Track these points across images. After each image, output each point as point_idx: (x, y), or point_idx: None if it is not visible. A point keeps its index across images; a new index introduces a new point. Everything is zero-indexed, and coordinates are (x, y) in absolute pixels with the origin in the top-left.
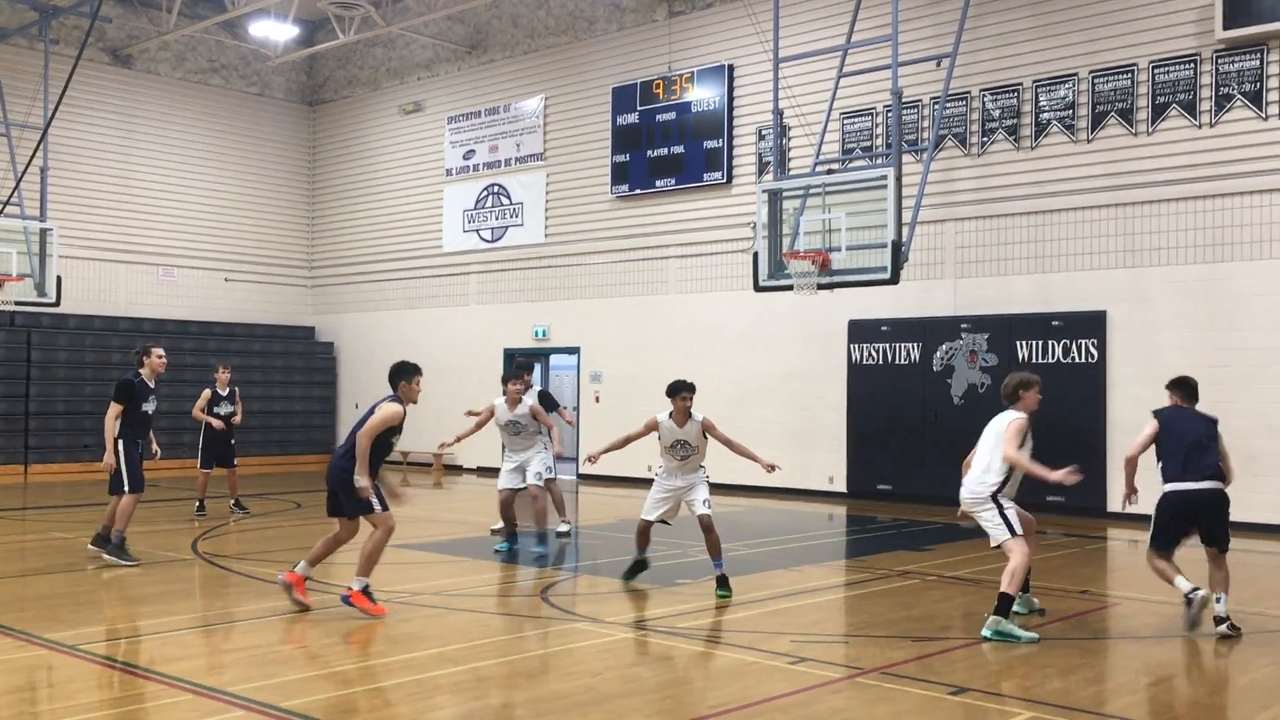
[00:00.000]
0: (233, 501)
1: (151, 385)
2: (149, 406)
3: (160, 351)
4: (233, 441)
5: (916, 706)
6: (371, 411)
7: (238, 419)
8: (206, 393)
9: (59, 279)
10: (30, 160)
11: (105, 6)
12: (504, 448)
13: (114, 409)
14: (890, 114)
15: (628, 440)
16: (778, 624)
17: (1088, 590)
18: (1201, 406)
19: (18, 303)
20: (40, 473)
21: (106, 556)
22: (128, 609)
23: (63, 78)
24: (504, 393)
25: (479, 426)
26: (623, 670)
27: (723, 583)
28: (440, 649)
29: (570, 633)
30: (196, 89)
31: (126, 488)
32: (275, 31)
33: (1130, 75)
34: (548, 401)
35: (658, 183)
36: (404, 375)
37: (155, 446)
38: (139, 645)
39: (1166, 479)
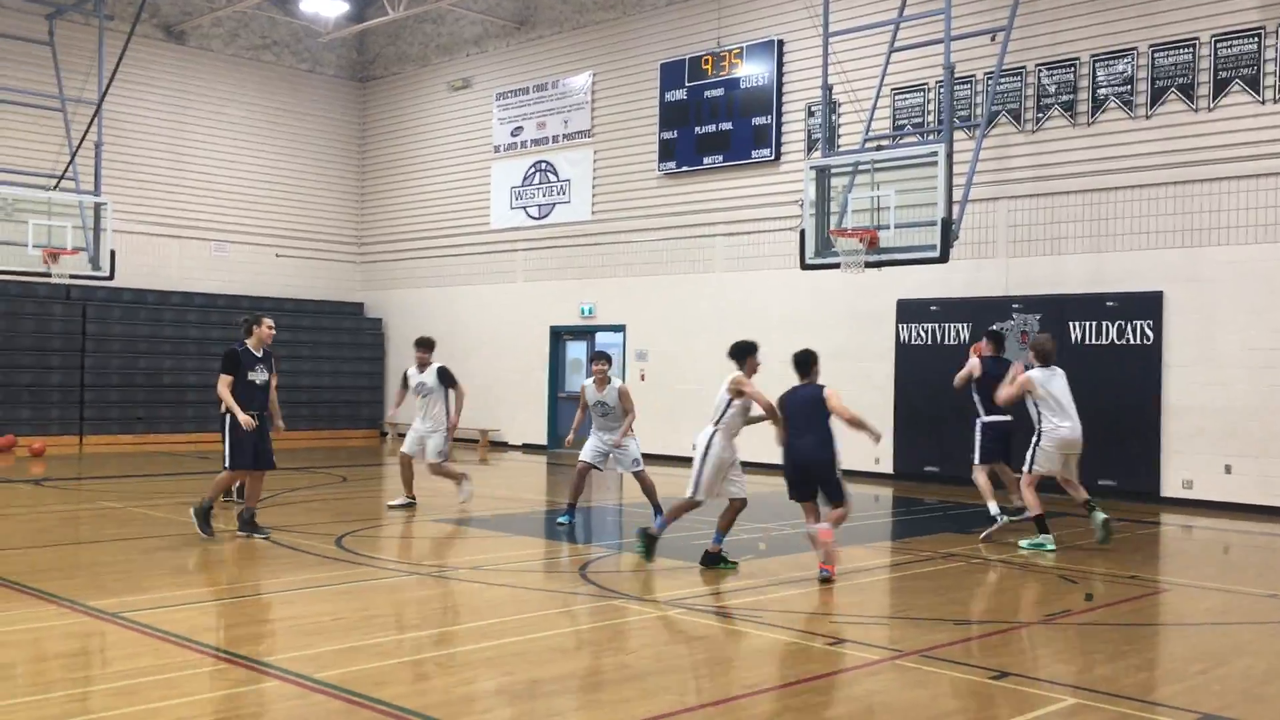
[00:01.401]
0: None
1: (258, 355)
2: (255, 376)
3: (270, 322)
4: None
5: (956, 690)
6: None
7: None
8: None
9: (113, 253)
10: (85, 135)
11: None
12: (594, 428)
13: (223, 380)
14: (942, 89)
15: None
16: (819, 605)
17: (1137, 576)
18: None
19: (72, 276)
20: (94, 444)
21: (240, 534)
22: (172, 578)
23: (117, 53)
24: (588, 374)
25: (582, 412)
26: (658, 648)
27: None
28: (476, 623)
29: (607, 610)
30: (249, 65)
31: (226, 463)
32: (326, 7)
33: (1192, 49)
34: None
35: (705, 160)
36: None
37: (279, 420)
38: (179, 614)
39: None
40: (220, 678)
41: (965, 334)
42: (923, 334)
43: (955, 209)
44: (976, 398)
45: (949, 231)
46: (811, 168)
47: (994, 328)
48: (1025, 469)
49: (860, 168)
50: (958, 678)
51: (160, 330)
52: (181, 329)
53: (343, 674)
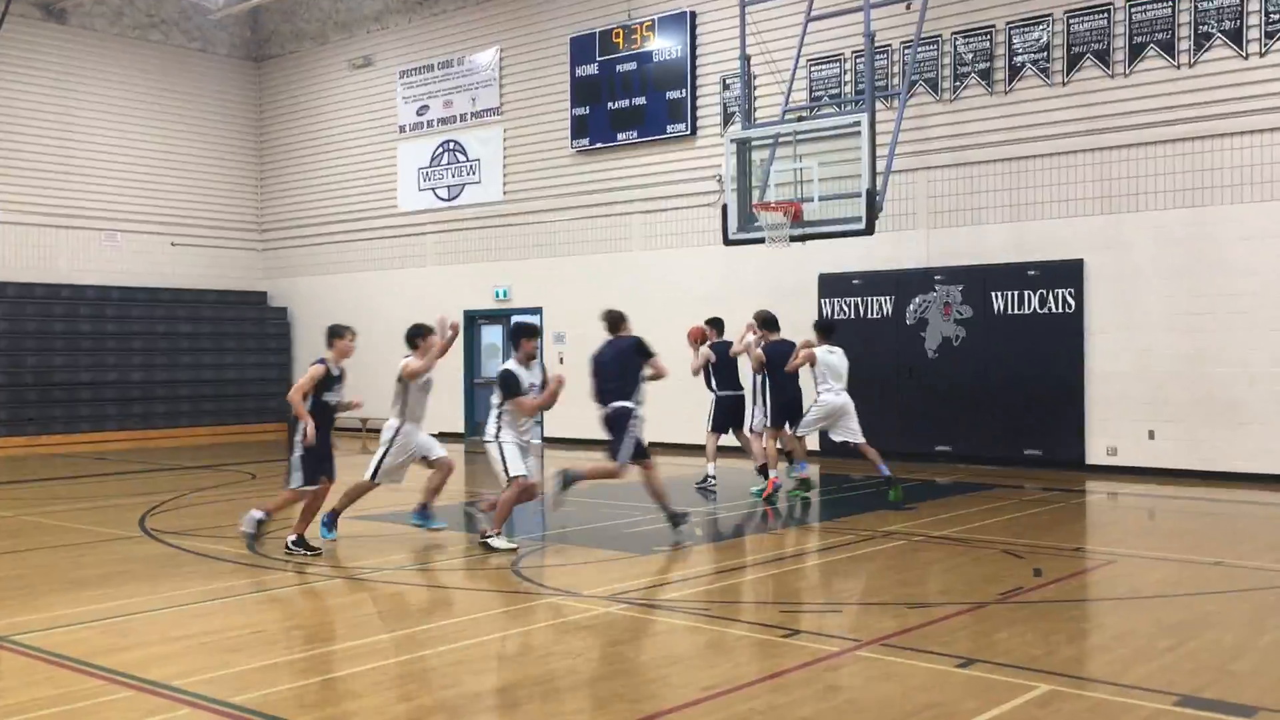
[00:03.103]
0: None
1: (336, 373)
2: (331, 397)
3: (354, 332)
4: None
5: (926, 682)
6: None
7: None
8: (317, 370)
9: None
10: None
11: None
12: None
13: (299, 388)
14: (860, 60)
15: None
16: (763, 592)
17: (1080, 548)
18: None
19: None
20: None
21: (304, 553)
22: (66, 594)
23: None
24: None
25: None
26: (605, 649)
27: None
28: (406, 630)
29: (545, 608)
30: (135, 45)
31: (294, 483)
32: None
33: (1107, 15)
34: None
35: (619, 136)
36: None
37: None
38: (79, 634)
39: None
40: (128, 707)
41: (889, 307)
42: (845, 308)
43: (879, 180)
44: (714, 378)
45: (873, 202)
46: (732, 140)
47: (765, 313)
48: (798, 428)
49: (781, 140)
50: (923, 668)
51: (50, 326)
52: (73, 324)
53: (265, 696)
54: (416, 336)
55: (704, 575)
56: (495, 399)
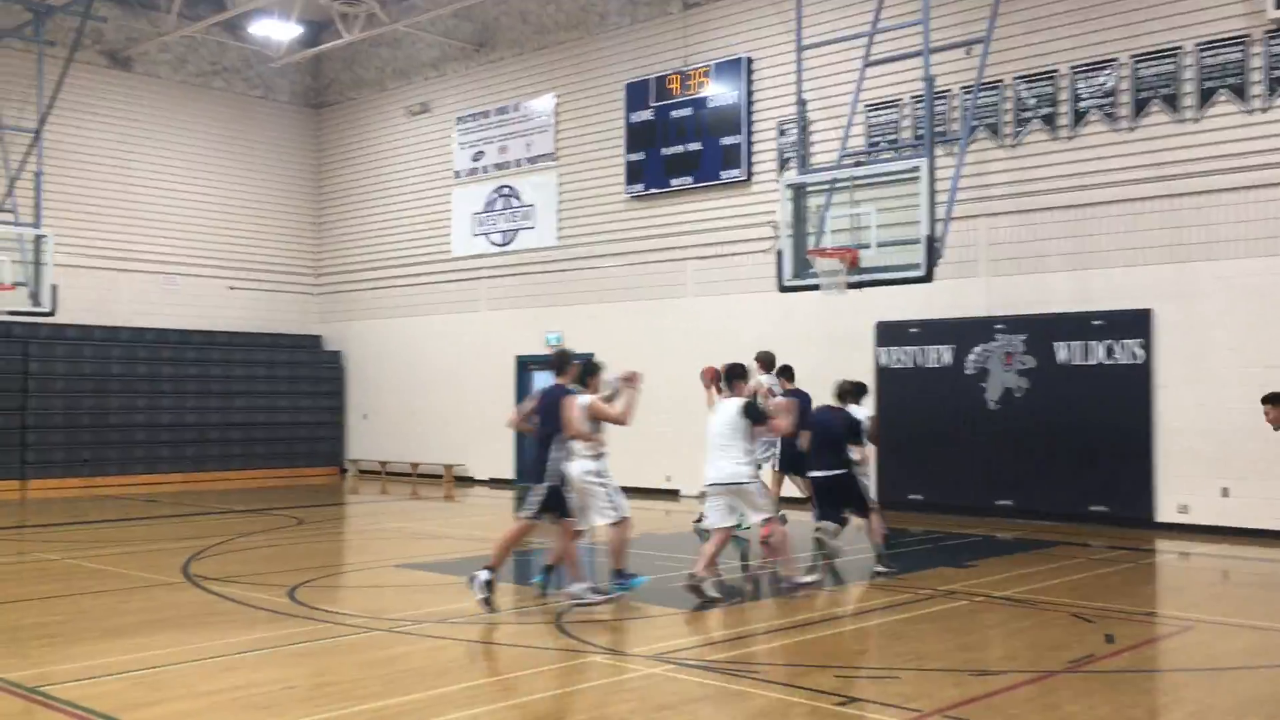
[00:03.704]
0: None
1: None
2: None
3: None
4: None
5: None
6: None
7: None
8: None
9: (54, 288)
10: (23, 163)
11: (101, 7)
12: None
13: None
14: (918, 104)
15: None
16: (817, 654)
17: (1153, 612)
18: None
19: (11, 312)
20: (38, 488)
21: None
22: (101, 643)
23: (57, 79)
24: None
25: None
26: (648, 714)
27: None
28: (442, 689)
29: (588, 668)
30: (198, 92)
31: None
32: (277, 31)
33: (1175, 59)
34: None
35: (673, 181)
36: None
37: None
38: (108, 686)
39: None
40: None
41: (948, 356)
42: (904, 357)
43: (938, 226)
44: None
45: (933, 249)
46: (788, 186)
47: (768, 354)
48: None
49: (838, 185)
50: None
51: (107, 368)
52: (130, 366)
53: None
54: (588, 375)
55: (755, 634)
56: (742, 433)
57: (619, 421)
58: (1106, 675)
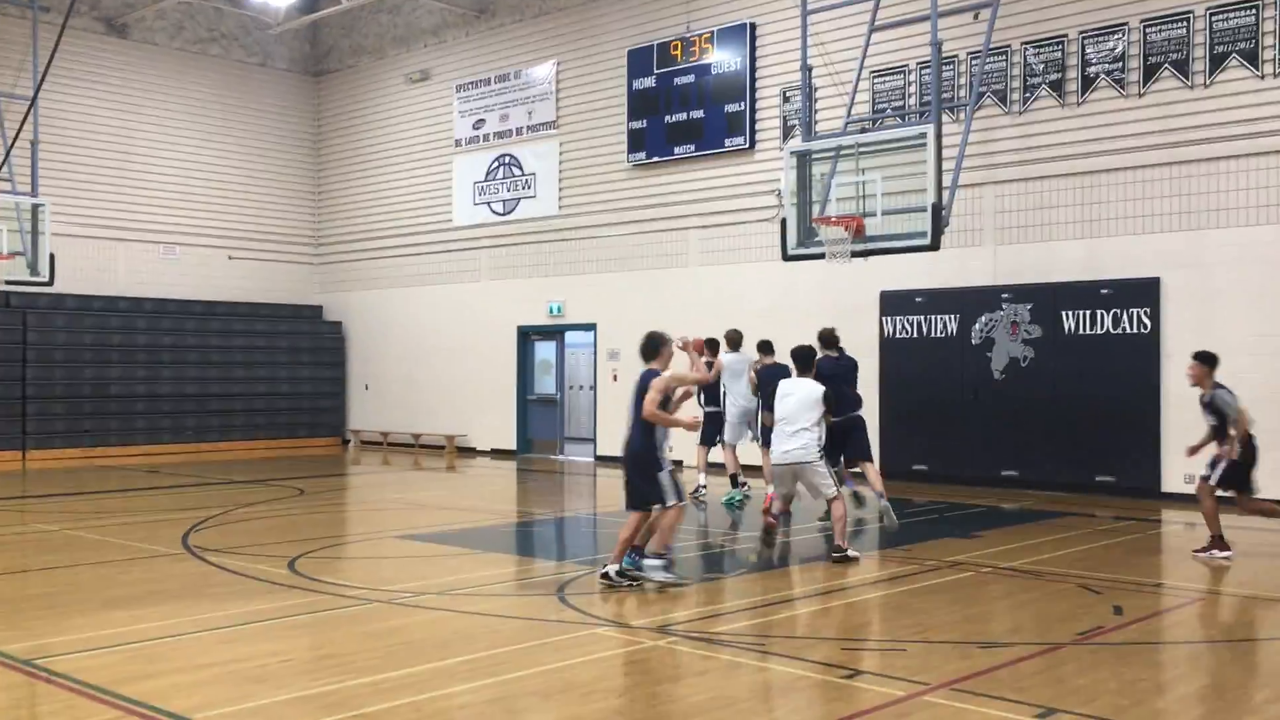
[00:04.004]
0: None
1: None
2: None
3: (676, 339)
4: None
5: None
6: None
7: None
8: (660, 380)
9: (52, 257)
10: (19, 132)
11: None
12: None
13: (652, 401)
14: (924, 70)
15: None
16: (822, 627)
17: (1162, 583)
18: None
19: (9, 282)
20: (39, 459)
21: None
22: (99, 614)
23: (53, 45)
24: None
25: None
26: (652, 688)
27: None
28: (443, 661)
29: (591, 640)
30: (195, 59)
31: (668, 500)
32: None
33: (1186, 23)
34: None
35: (676, 150)
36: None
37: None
38: (104, 659)
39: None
40: None
41: (954, 326)
42: (908, 326)
43: (945, 195)
44: (703, 394)
45: (940, 217)
46: (792, 153)
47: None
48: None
49: (843, 152)
50: (997, 716)
51: (107, 338)
52: (130, 336)
53: None
54: (662, 345)
55: (759, 606)
56: (814, 418)
57: (703, 381)
58: (1115, 648)
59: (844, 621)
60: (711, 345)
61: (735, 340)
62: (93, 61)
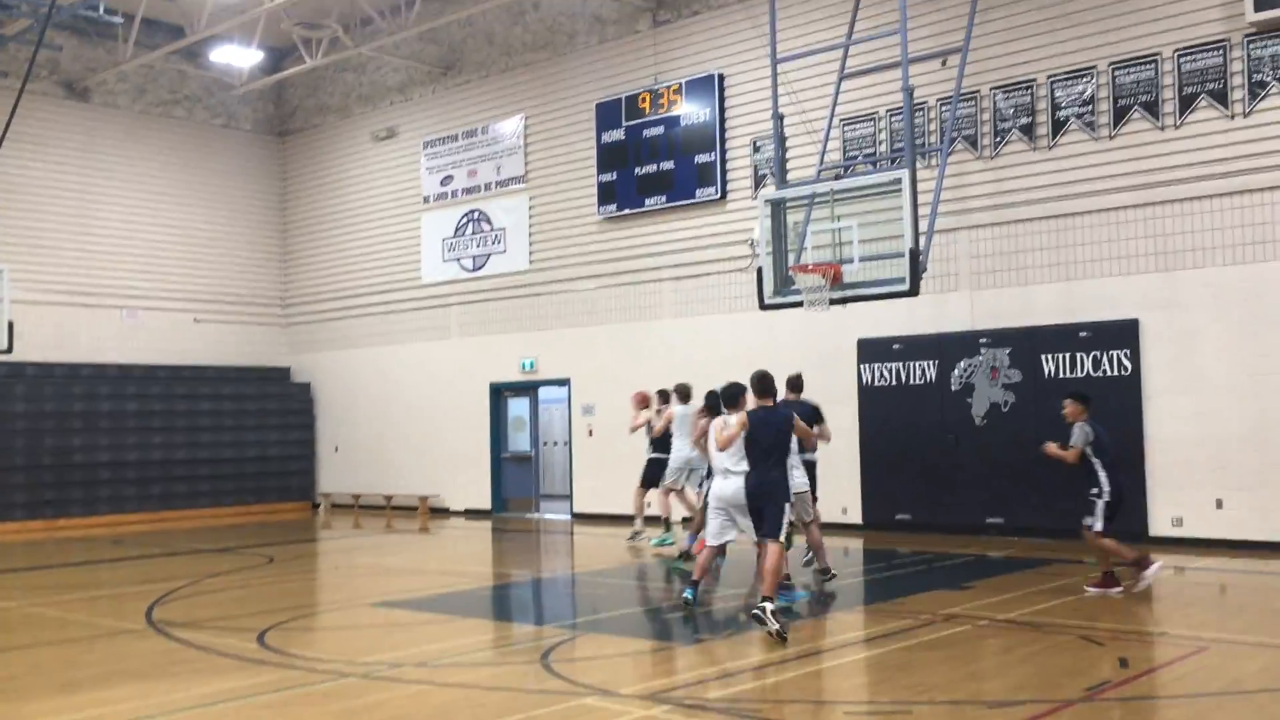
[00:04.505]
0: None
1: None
2: None
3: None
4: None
5: None
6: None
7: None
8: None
9: (11, 324)
10: None
11: (57, 36)
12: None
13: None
14: (895, 117)
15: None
16: (823, 689)
17: (1165, 632)
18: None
19: None
20: None
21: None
22: (57, 699)
23: (9, 110)
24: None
25: None
26: None
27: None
28: None
29: (579, 712)
30: (159, 121)
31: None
32: (239, 58)
33: (1154, 66)
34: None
35: (647, 201)
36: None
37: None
38: None
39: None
40: None
41: (933, 372)
42: (886, 374)
43: (921, 240)
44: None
45: (917, 262)
46: (766, 201)
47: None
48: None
49: (818, 200)
50: None
51: (69, 405)
52: (93, 403)
53: None
54: (740, 395)
55: (753, 668)
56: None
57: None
58: (1127, 703)
59: (843, 684)
60: (663, 396)
61: (685, 393)
62: (53, 125)
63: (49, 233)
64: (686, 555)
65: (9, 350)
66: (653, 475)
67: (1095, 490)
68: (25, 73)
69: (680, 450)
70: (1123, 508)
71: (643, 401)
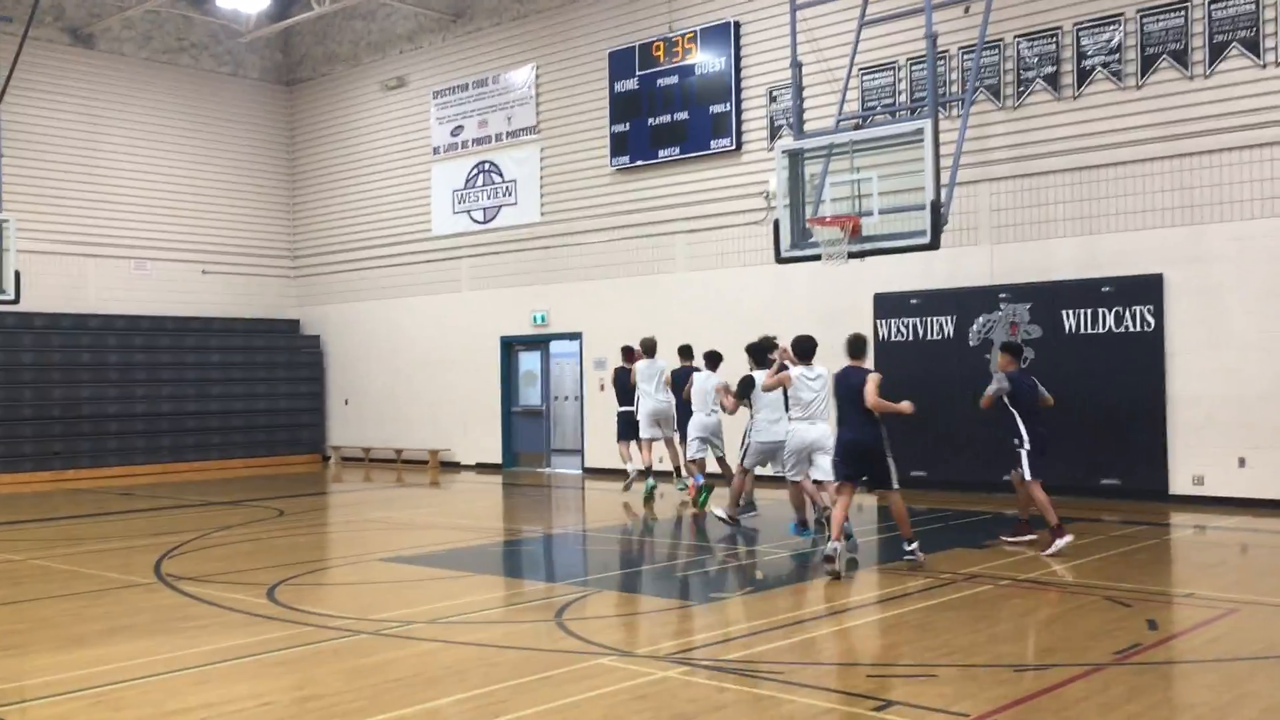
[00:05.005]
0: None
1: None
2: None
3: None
4: None
5: None
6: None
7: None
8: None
9: (18, 274)
10: None
11: None
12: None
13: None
14: (916, 67)
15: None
16: (843, 651)
17: (1192, 593)
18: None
19: None
20: (7, 482)
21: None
22: (62, 654)
23: (13, 56)
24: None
25: None
26: None
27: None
28: (435, 701)
29: (596, 672)
30: (164, 69)
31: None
32: (246, 4)
33: (1184, 12)
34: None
35: (660, 153)
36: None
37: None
38: (62, 707)
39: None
40: None
41: (950, 327)
42: (903, 329)
43: (943, 191)
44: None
45: (939, 215)
46: (784, 152)
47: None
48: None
49: (836, 151)
50: None
51: (77, 357)
52: (101, 354)
53: None
54: (770, 350)
55: (772, 629)
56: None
57: (781, 382)
58: (1159, 667)
59: (865, 644)
60: (626, 353)
61: (650, 347)
62: (58, 73)
63: (55, 182)
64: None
65: (16, 301)
66: (627, 428)
67: (1016, 440)
68: (28, 18)
69: (648, 401)
70: (1044, 459)
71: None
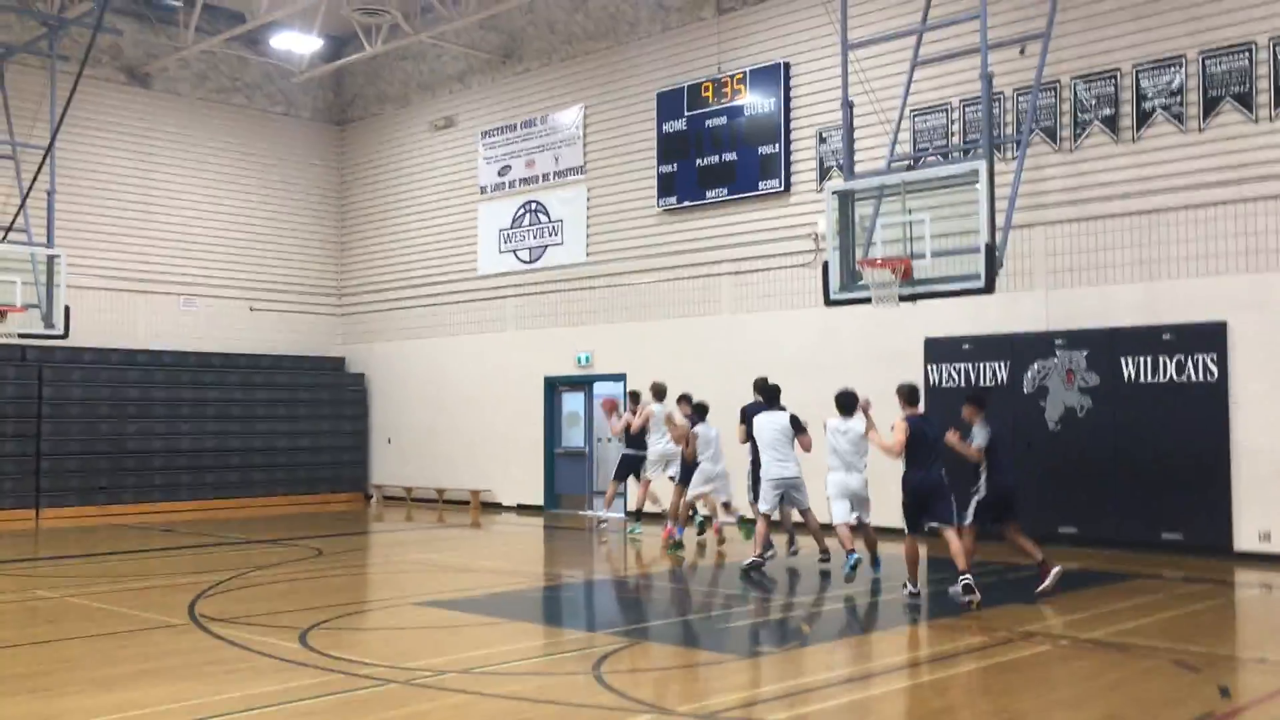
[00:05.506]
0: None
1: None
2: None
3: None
4: None
5: None
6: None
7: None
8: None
9: (67, 309)
10: (34, 182)
11: (118, 21)
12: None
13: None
14: (970, 108)
15: None
16: (895, 713)
17: (1264, 658)
18: None
19: (21, 335)
20: (52, 518)
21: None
22: (86, 697)
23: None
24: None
25: None
26: None
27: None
28: None
29: None
30: (219, 109)
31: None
32: (299, 44)
33: (1248, 54)
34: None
35: (708, 194)
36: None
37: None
38: None
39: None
40: None
41: (1004, 373)
42: (955, 375)
43: (998, 235)
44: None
45: (993, 258)
46: (834, 193)
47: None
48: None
49: (887, 192)
50: None
51: (124, 392)
52: (147, 390)
53: None
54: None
55: (818, 687)
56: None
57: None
58: None
59: (918, 707)
60: (634, 398)
61: (660, 391)
62: (114, 111)
63: (107, 219)
64: (678, 545)
65: (65, 336)
66: (626, 470)
67: (974, 488)
68: (85, 52)
69: (657, 444)
70: (1010, 511)
71: (611, 406)
